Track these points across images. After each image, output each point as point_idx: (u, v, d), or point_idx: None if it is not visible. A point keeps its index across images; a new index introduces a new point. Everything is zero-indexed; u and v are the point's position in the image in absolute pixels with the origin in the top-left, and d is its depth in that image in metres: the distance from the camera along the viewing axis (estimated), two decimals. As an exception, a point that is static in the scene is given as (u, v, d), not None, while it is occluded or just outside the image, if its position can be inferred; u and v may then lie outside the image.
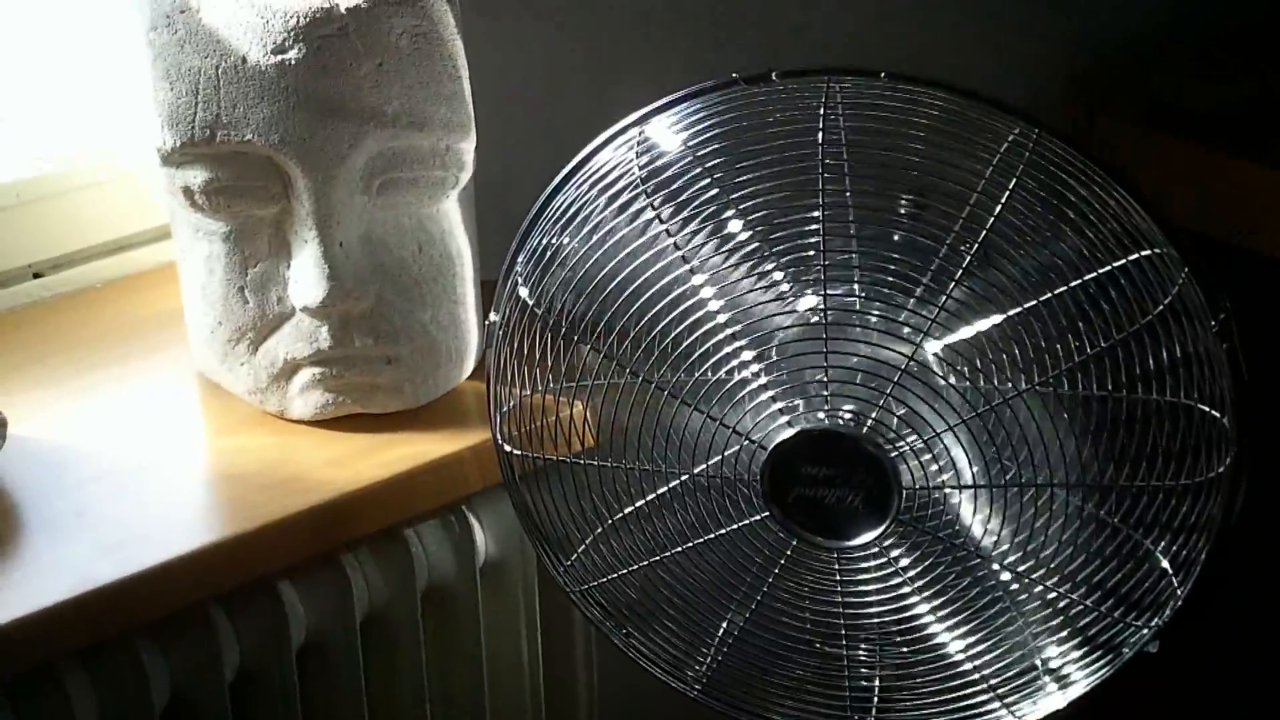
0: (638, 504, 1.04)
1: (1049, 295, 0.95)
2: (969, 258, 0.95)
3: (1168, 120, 1.75)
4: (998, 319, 0.96)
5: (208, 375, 1.23)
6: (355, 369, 1.18)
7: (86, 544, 1.07)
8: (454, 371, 1.23)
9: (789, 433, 0.99)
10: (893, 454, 0.98)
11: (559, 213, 1.02)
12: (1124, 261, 0.94)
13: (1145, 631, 1.00)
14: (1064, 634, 1.02)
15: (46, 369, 1.25)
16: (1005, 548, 1.00)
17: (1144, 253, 0.94)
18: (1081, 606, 1.00)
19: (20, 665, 1.03)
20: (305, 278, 1.13)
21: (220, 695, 1.12)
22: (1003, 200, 0.94)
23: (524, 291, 1.02)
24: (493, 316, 1.05)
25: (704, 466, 1.01)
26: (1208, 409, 0.95)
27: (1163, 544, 0.98)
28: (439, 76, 1.13)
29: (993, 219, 0.94)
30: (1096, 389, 0.95)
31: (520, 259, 1.03)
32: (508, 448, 1.08)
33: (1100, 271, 0.94)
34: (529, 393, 1.04)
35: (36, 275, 1.33)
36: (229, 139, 1.10)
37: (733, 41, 1.55)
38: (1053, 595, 1.00)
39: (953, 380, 0.97)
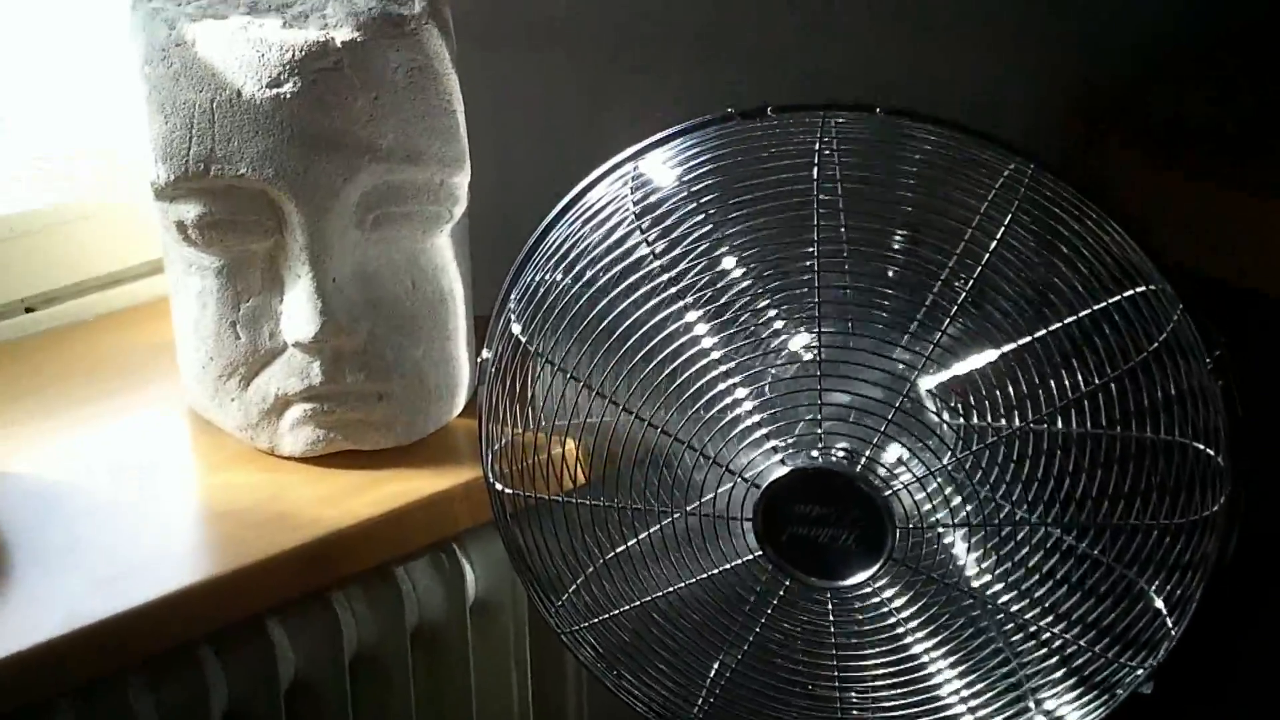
0: (629, 543, 1.03)
1: (1043, 332, 0.95)
2: (964, 294, 0.95)
3: (1167, 144, 1.75)
4: (992, 355, 0.96)
5: (199, 411, 1.22)
6: (347, 405, 1.17)
7: (76, 580, 1.07)
8: (446, 408, 1.23)
9: (782, 471, 0.98)
10: (886, 493, 0.97)
11: (552, 249, 1.02)
12: (1119, 298, 0.94)
13: (1140, 672, 1.00)
14: (1058, 675, 1.02)
15: (38, 403, 1.25)
16: (999, 587, 1.00)
17: (1139, 289, 0.94)
18: (1075, 646, 1.00)
19: (9, 702, 1.02)
20: (298, 313, 1.13)
21: (208, 733, 1.11)
22: (998, 236, 0.94)
23: (517, 328, 1.02)
24: (485, 354, 1.05)
25: (696, 504, 1.01)
26: (1202, 446, 0.95)
27: (1157, 583, 0.98)
28: (434, 111, 1.13)
29: (988, 255, 0.95)
30: (1090, 426, 0.95)
31: (513, 295, 1.03)
32: (499, 486, 1.07)
33: (1095, 308, 0.94)
34: (521, 430, 1.04)
35: (28, 309, 1.33)
36: (223, 173, 1.10)
37: (724, 76, 1.56)
38: (1046, 635, 1.00)
39: (946, 417, 0.97)
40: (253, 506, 1.15)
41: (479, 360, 1.06)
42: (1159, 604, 0.99)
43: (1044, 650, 1.01)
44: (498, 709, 1.29)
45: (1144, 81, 1.81)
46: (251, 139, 1.09)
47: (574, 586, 1.06)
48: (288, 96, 1.08)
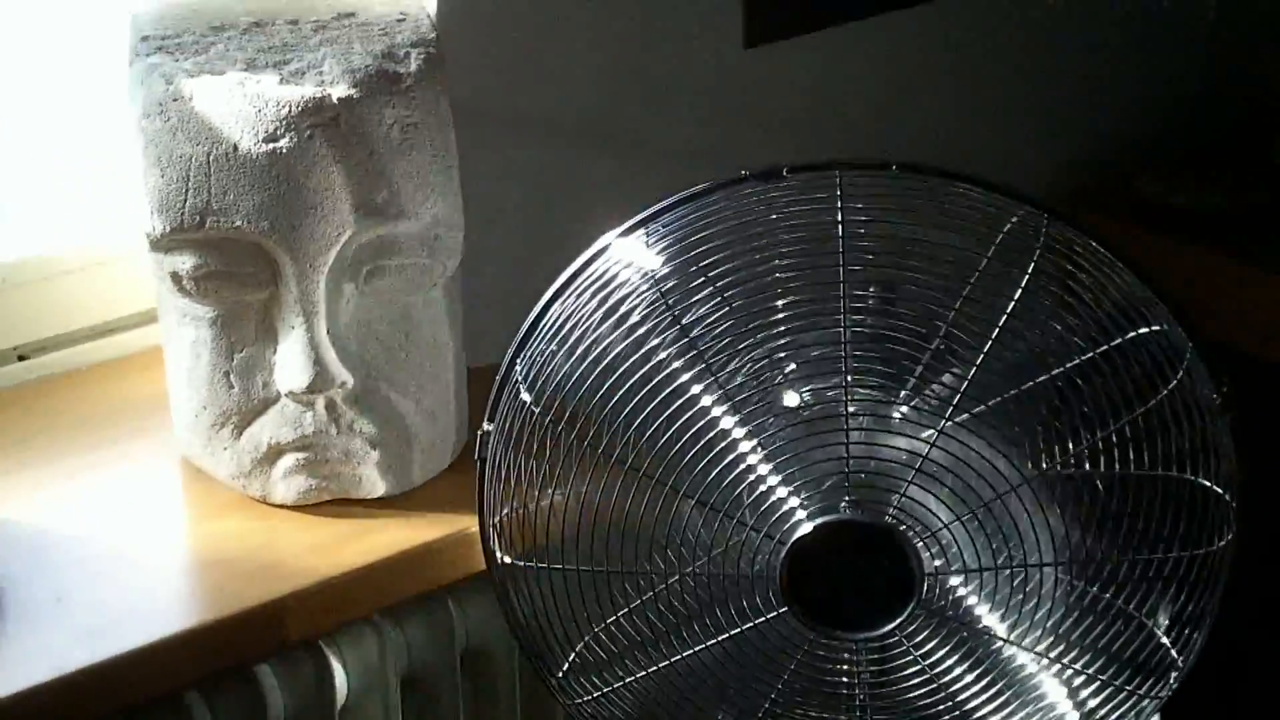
0: (635, 602, 1.02)
1: (1060, 370, 0.95)
2: (989, 342, 0.96)
3: (1153, 219, 1.79)
4: (1008, 399, 0.97)
5: (191, 459, 1.23)
6: (339, 454, 1.18)
7: (66, 628, 1.07)
8: (437, 459, 1.24)
9: (808, 527, 0.97)
10: (916, 541, 0.98)
11: (557, 320, 1.00)
12: (1132, 335, 0.95)
13: (1147, 703, 1.01)
14: (1077, 705, 1.03)
15: (30, 451, 1.25)
16: (1023, 628, 1.01)
17: (1153, 328, 0.96)
18: (1097, 682, 1.01)
19: (-4, 750, 1.03)
20: (291, 363, 1.13)
21: (198, 783, 1.11)
22: (1022, 284, 0.95)
23: (527, 396, 1.00)
24: (486, 426, 1.03)
25: (711, 563, 0.99)
26: (1210, 484, 0.97)
27: (1163, 615, 1.00)
28: (429, 167, 1.14)
29: (1013, 303, 0.96)
30: (1104, 468, 0.97)
31: (519, 365, 1.01)
32: (503, 556, 1.04)
33: (1111, 344, 0.95)
34: (532, 496, 1.02)
35: (21, 358, 1.33)
36: (218, 225, 1.11)
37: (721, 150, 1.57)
38: (1068, 673, 1.01)
39: (973, 465, 0.97)
40: (244, 555, 1.15)
41: (479, 433, 1.04)
42: (1164, 639, 1.01)
43: (1063, 687, 1.02)
44: (486, 758, 1.30)
45: (1130, 169, 1.85)
46: (247, 192, 1.10)
47: (574, 656, 1.04)
48: (284, 151, 1.09)
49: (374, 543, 1.16)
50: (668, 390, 0.98)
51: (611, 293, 0.98)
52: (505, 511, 1.03)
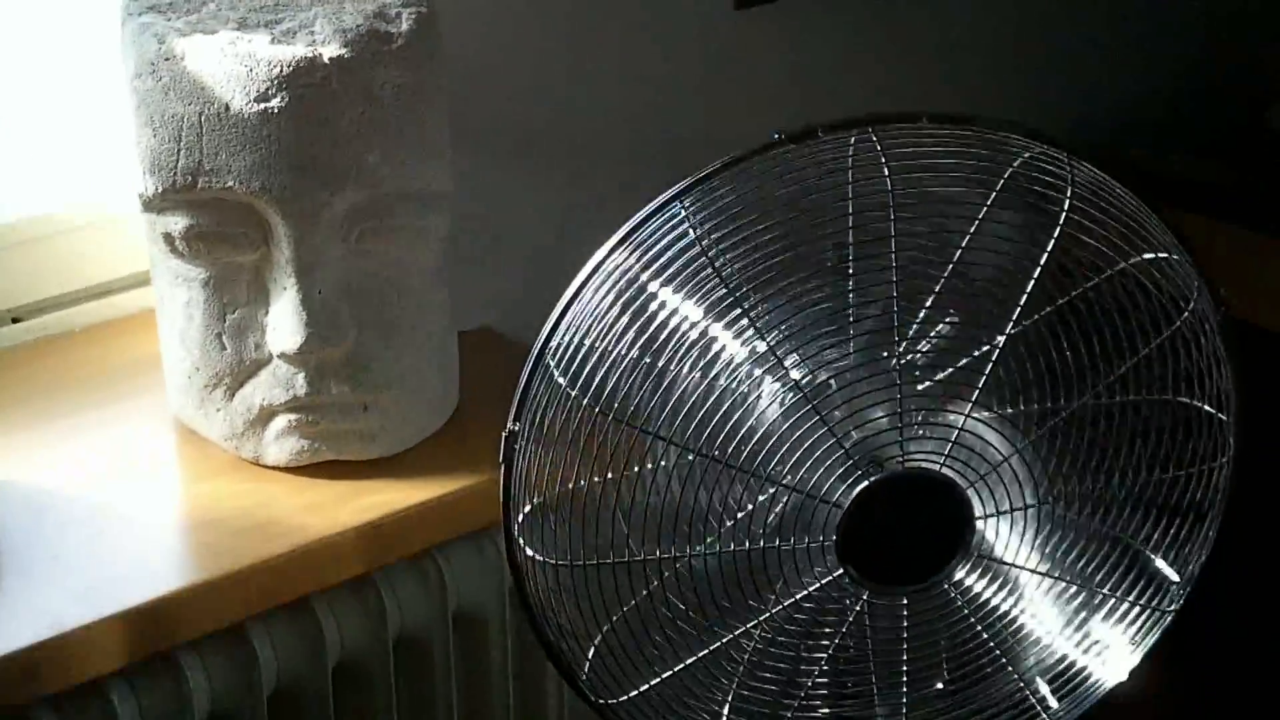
0: (648, 582, 0.99)
1: (1077, 291, 0.97)
2: (1032, 282, 0.97)
3: (1148, 188, 1.80)
4: (1029, 335, 0.98)
5: (185, 421, 1.23)
6: (331, 416, 1.18)
7: (61, 587, 1.08)
8: (430, 420, 1.24)
9: (863, 485, 0.97)
10: (967, 487, 0.99)
11: (590, 301, 0.98)
12: (1151, 256, 0.98)
13: (1156, 615, 1.06)
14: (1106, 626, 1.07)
15: (24, 412, 1.26)
16: (1040, 560, 1.03)
17: (1164, 255, 0.98)
18: (1112, 599, 1.05)
19: (-8, 706, 1.03)
20: (283, 324, 1.14)
21: (191, 740, 1.12)
22: (1060, 221, 0.96)
23: (562, 380, 0.97)
24: (512, 426, 0.99)
25: (762, 537, 0.98)
26: (1210, 409, 1.00)
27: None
28: (421, 128, 1.14)
29: (1047, 253, 0.96)
30: (1146, 394, 0.99)
31: (550, 352, 0.97)
32: (535, 555, 0.99)
33: (1130, 262, 0.97)
34: (565, 489, 0.98)
35: (15, 319, 1.34)
36: (210, 186, 1.11)
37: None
38: (1084, 594, 1.05)
39: (1021, 405, 0.99)
40: (237, 515, 1.16)
41: (504, 434, 0.98)
42: (1159, 562, 1.06)
43: (1082, 608, 1.06)
44: (480, 716, 1.30)
45: (1124, 140, 1.86)
46: (239, 152, 1.10)
47: (598, 650, 1.01)
48: (275, 111, 1.09)
49: (366, 504, 1.17)
50: (717, 362, 0.97)
51: (650, 269, 0.96)
52: (532, 503, 0.99)
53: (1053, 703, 1.07)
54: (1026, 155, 0.96)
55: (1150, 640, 1.07)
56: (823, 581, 1.00)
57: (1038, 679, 1.07)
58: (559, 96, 1.49)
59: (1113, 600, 1.05)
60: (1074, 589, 1.05)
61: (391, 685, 1.22)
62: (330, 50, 1.10)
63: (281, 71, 1.09)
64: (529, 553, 0.99)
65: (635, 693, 1.02)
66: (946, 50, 1.76)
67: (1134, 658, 1.07)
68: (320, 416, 1.18)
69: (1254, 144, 1.89)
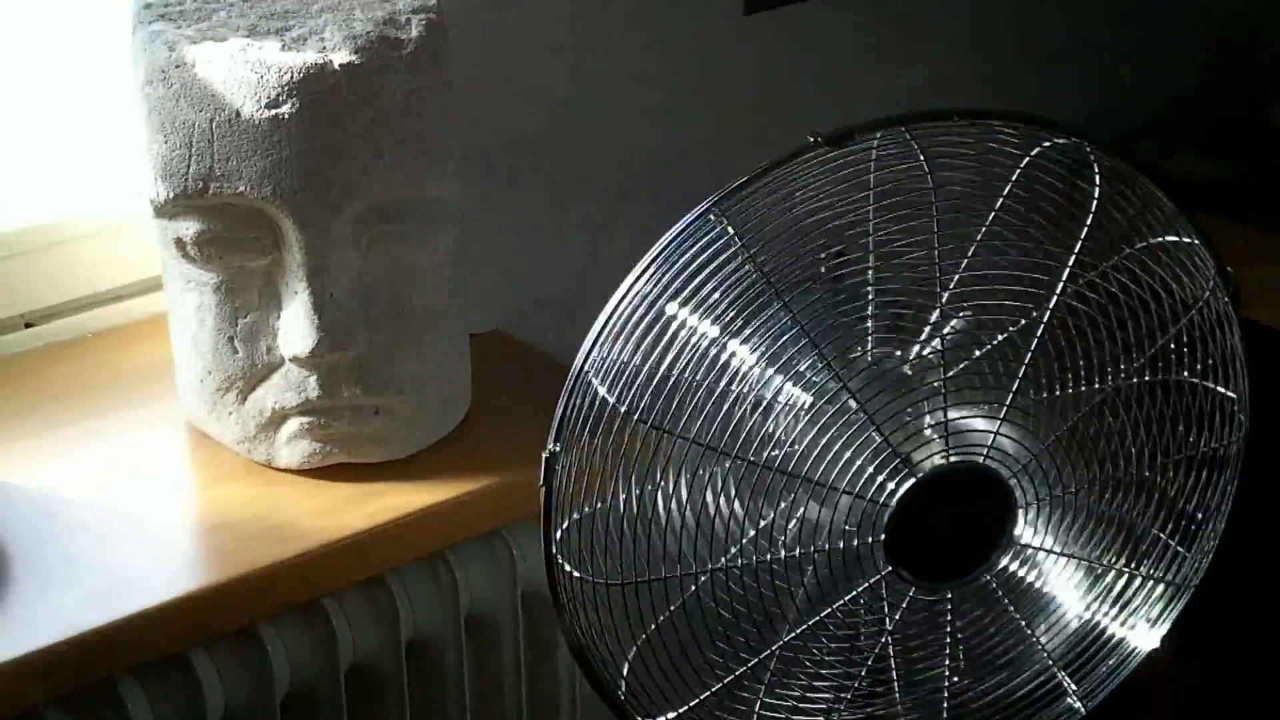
0: (684, 594, 0.99)
1: (1092, 275, 0.98)
2: (1065, 270, 0.98)
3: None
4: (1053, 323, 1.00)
5: (197, 425, 1.24)
6: (343, 419, 1.19)
7: (74, 591, 1.08)
8: (441, 423, 1.24)
9: (909, 484, 0.97)
10: (1009, 478, 1.00)
11: (628, 314, 0.96)
12: (1167, 240, 1.00)
13: (1168, 589, 1.09)
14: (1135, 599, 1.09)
15: (37, 418, 1.26)
16: (1070, 540, 1.05)
17: (1179, 238, 1.00)
18: (1126, 574, 1.08)
19: (6, 710, 1.04)
20: (295, 328, 1.14)
21: (204, 742, 1.13)
22: (1087, 221, 0.98)
23: (607, 394, 0.96)
24: (553, 447, 0.98)
25: (811, 542, 0.98)
26: (1222, 389, 1.03)
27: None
28: (431, 133, 1.14)
29: (1080, 241, 0.98)
30: (1149, 376, 1.02)
31: (590, 366, 0.96)
32: (572, 570, 0.98)
33: (1151, 241, 0.99)
34: (601, 502, 0.97)
35: (28, 325, 1.34)
36: (222, 191, 1.11)
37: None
38: (1097, 571, 1.07)
39: (1056, 391, 1.00)
40: (249, 518, 1.16)
41: (545, 456, 0.97)
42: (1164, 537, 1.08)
43: (1097, 584, 1.08)
44: (492, 718, 1.31)
45: (1127, 139, 1.87)
46: (250, 158, 1.10)
47: (642, 666, 1.01)
48: (286, 117, 1.09)
49: (378, 506, 1.17)
50: (759, 368, 0.97)
51: (685, 276, 0.95)
52: (568, 522, 0.98)
53: (1074, 685, 1.09)
54: (1046, 145, 0.97)
55: (1171, 615, 1.09)
56: (870, 581, 1.00)
57: (1060, 664, 1.08)
58: (567, 101, 1.49)
59: (1137, 579, 1.07)
60: (1097, 569, 1.06)
61: (404, 687, 1.22)
62: (340, 57, 1.10)
63: (292, 78, 1.09)
64: (567, 569, 0.99)
65: (674, 714, 1.03)
66: (949, 54, 1.76)
67: (1155, 634, 1.10)
68: (332, 420, 1.19)
69: (1257, 142, 1.89)
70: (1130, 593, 1.08)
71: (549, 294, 1.50)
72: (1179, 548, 1.08)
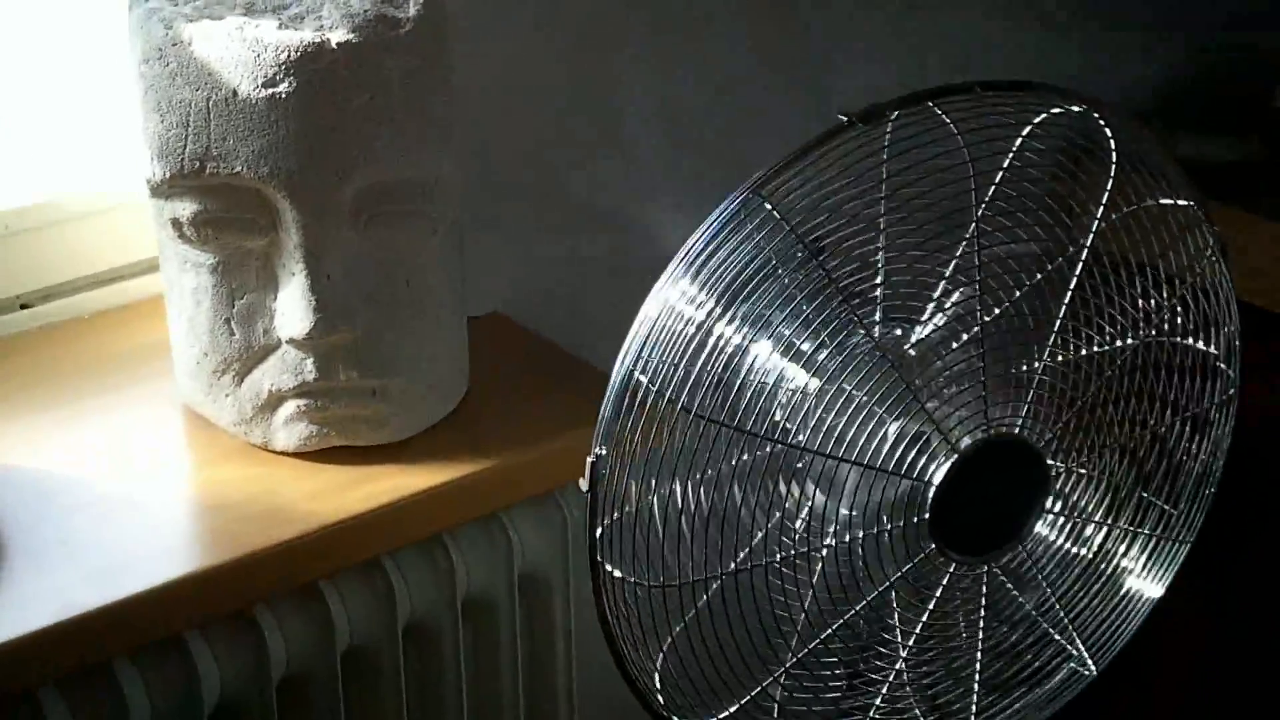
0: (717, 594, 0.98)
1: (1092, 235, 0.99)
2: (1085, 249, 0.99)
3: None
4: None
5: (193, 407, 1.23)
6: (340, 401, 1.18)
7: (70, 572, 1.08)
8: (438, 406, 1.24)
9: (950, 459, 0.97)
10: (1040, 445, 1.01)
11: (673, 302, 0.95)
12: (1179, 202, 1.02)
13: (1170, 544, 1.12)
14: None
15: (33, 399, 1.26)
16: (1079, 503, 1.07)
17: (1180, 201, 1.01)
18: (1131, 533, 1.10)
19: (1, 688, 1.03)
20: (292, 310, 1.14)
21: (200, 725, 1.12)
22: (1107, 186, 0.98)
23: (643, 377, 0.95)
24: (599, 451, 0.96)
25: (852, 526, 0.97)
26: (1214, 350, 1.04)
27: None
28: (430, 113, 1.14)
29: (1097, 220, 0.98)
30: (1156, 334, 1.03)
31: (636, 363, 0.95)
32: (613, 571, 0.97)
33: (1159, 201, 1.01)
34: (646, 498, 0.96)
35: (24, 306, 1.34)
36: (218, 171, 1.11)
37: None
38: (1104, 530, 1.09)
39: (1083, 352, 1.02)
40: (246, 501, 1.16)
41: (590, 460, 0.96)
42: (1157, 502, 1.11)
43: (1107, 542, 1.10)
44: (489, 703, 1.30)
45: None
46: (247, 138, 1.10)
47: (681, 668, 1.00)
48: (283, 96, 1.09)
49: (375, 489, 1.17)
50: (809, 345, 0.96)
51: (734, 267, 0.94)
52: (613, 518, 0.96)
53: (1085, 647, 1.11)
54: (1056, 110, 0.98)
55: (1171, 570, 1.12)
56: (916, 560, 1.00)
57: (1074, 626, 1.10)
58: (568, 80, 1.48)
59: (1140, 535, 1.09)
60: (1103, 529, 1.08)
61: (400, 671, 1.22)
62: (338, 35, 1.09)
63: (289, 57, 1.09)
64: (608, 569, 0.98)
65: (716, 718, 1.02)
66: (952, 36, 1.76)
67: (1159, 587, 1.12)
68: (329, 402, 1.18)
69: (1262, 125, 1.88)
70: (1134, 550, 1.10)
71: (549, 277, 1.50)
72: (1166, 506, 1.10)
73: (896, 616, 1.04)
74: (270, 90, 1.09)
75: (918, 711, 1.07)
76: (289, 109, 1.09)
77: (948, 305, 0.99)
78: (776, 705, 1.03)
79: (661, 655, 0.99)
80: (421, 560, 1.22)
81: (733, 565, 0.98)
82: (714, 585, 0.98)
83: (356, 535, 1.15)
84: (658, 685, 1.01)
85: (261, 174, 1.10)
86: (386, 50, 1.11)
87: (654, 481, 0.96)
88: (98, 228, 1.35)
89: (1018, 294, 1.00)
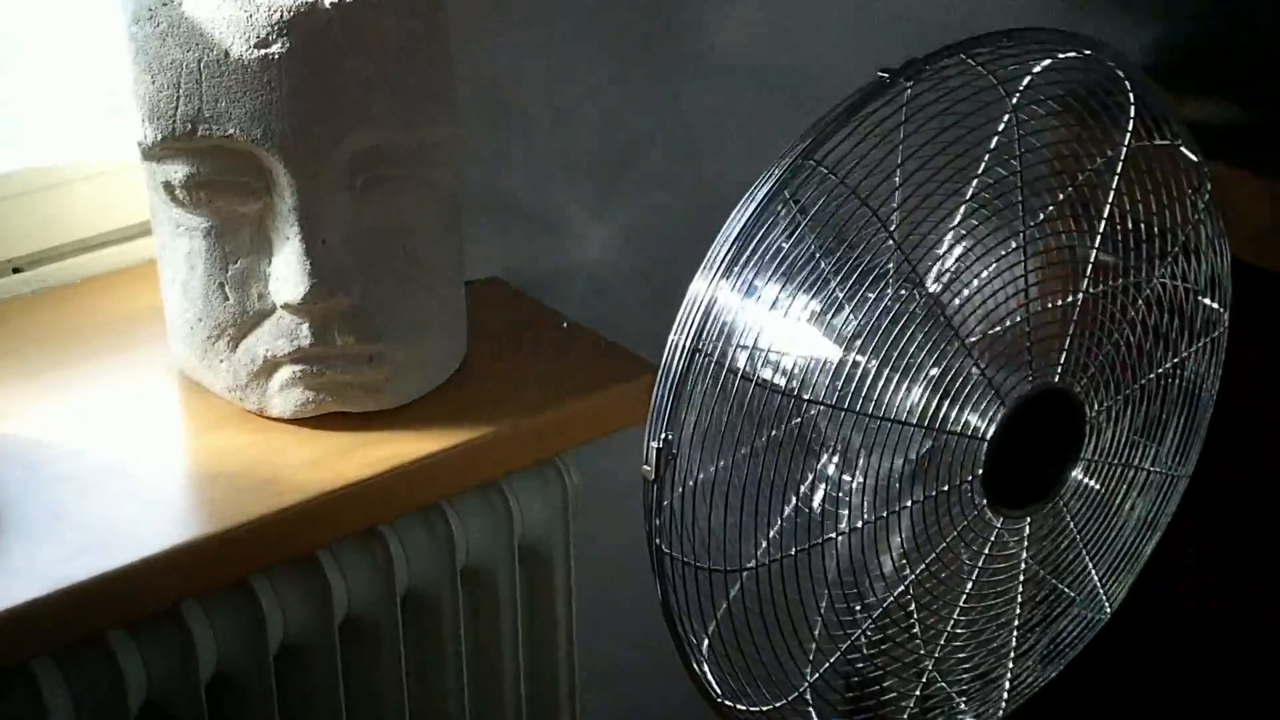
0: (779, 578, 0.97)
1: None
2: (1111, 194, 1.00)
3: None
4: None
5: (187, 373, 1.22)
6: (336, 367, 1.17)
7: (62, 543, 1.06)
8: (436, 372, 1.23)
9: (1003, 412, 0.97)
10: (1077, 391, 1.01)
11: (740, 269, 0.94)
12: (1178, 145, 1.03)
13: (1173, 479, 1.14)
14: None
15: (24, 365, 1.24)
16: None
17: (1171, 142, 1.03)
18: (1144, 472, 1.11)
19: (-6, 662, 1.03)
20: (287, 274, 1.12)
21: (196, 696, 1.11)
22: (1128, 133, 1.00)
23: (721, 365, 0.94)
24: (665, 435, 0.94)
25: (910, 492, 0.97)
26: (1214, 305, 1.06)
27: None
28: (427, 76, 1.12)
29: (1126, 146, 1.00)
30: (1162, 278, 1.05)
31: (703, 341, 0.93)
32: (667, 549, 0.96)
33: (1156, 142, 1.02)
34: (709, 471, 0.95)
35: (16, 270, 1.32)
36: (211, 133, 1.09)
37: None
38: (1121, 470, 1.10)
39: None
40: (241, 468, 1.15)
41: (655, 448, 0.94)
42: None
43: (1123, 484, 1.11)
44: (489, 671, 1.30)
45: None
46: (239, 99, 1.08)
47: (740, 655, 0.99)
48: (276, 57, 1.07)
49: (372, 456, 1.16)
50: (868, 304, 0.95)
51: (785, 232, 0.93)
52: (669, 500, 0.95)
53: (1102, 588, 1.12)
54: (1072, 53, 0.98)
55: (1173, 504, 1.14)
56: (970, 518, 0.99)
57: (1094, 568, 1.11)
58: (565, 47, 1.46)
59: (1144, 474, 1.10)
60: (1118, 470, 1.09)
61: (399, 640, 1.21)
62: (332, -6, 1.08)
63: (282, 17, 1.07)
64: (666, 550, 0.96)
65: (769, 708, 1.01)
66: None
67: (1162, 522, 1.14)
68: (325, 368, 1.17)
69: (1269, 89, 1.87)
70: (1138, 488, 1.11)
71: (547, 242, 1.48)
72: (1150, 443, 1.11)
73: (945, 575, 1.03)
74: (263, 51, 1.07)
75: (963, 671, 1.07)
76: (282, 70, 1.07)
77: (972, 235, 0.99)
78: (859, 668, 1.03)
79: (706, 641, 0.99)
80: (420, 528, 1.21)
81: (794, 549, 0.97)
82: (773, 567, 0.97)
83: (354, 503, 1.14)
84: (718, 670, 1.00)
85: (254, 136, 1.08)
86: (382, 11, 1.09)
87: (716, 457, 0.94)
88: (90, 191, 1.34)
89: (1051, 206, 0.99)
